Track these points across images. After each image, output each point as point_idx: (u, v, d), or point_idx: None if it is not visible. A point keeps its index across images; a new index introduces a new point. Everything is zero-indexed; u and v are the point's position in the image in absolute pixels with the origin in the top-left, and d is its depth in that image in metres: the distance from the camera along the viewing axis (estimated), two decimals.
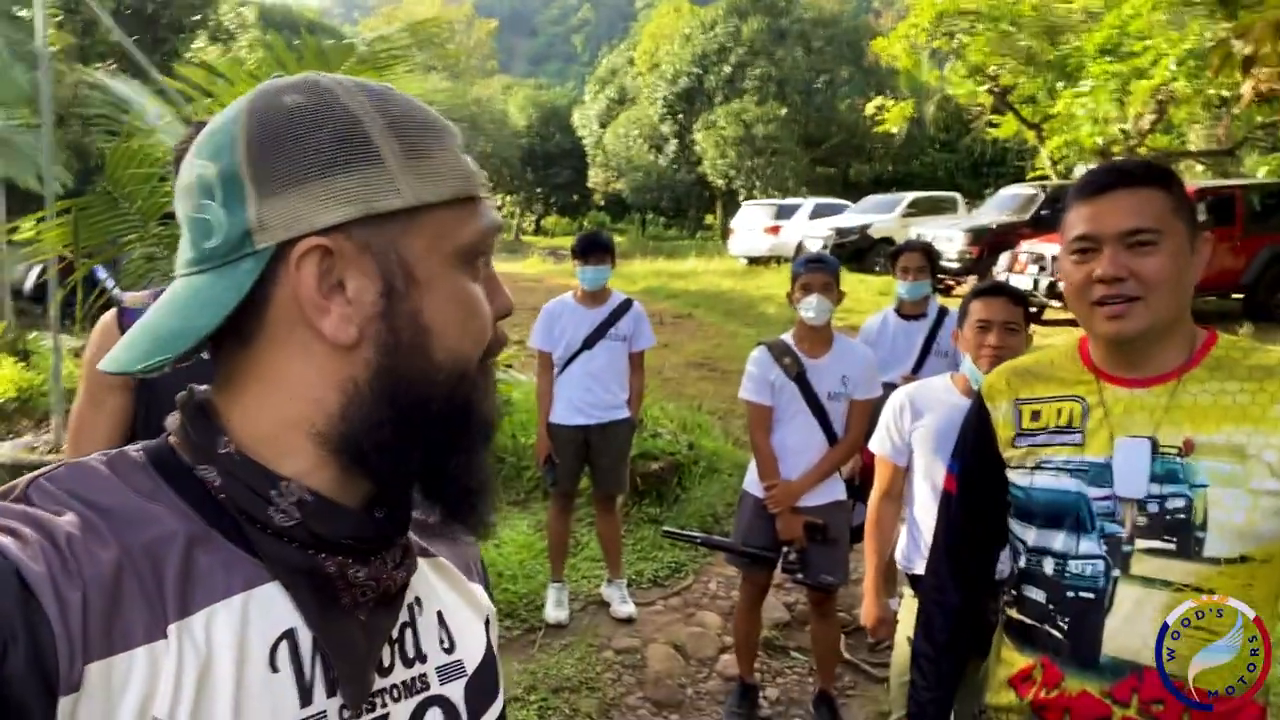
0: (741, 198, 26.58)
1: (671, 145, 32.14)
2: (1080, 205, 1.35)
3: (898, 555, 2.58)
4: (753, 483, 3.27)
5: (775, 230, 19.11)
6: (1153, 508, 1.31)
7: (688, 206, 35.26)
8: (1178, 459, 1.30)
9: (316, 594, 0.60)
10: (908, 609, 2.52)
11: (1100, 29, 14.17)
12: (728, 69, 30.53)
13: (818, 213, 19.33)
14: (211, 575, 0.57)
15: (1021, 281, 11.10)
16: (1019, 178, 19.90)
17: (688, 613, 4.03)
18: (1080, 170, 14.24)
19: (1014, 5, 15.71)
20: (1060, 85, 15.42)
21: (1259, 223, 11.03)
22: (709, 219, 34.24)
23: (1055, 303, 10.60)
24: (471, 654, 0.73)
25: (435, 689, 0.68)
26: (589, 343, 3.96)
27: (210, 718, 0.54)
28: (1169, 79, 12.24)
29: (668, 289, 16.45)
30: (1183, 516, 1.29)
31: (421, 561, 0.71)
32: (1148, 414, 1.34)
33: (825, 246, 16.83)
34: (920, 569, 2.44)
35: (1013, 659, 1.48)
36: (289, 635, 0.59)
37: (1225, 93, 11.51)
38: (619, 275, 20.02)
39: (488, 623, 0.78)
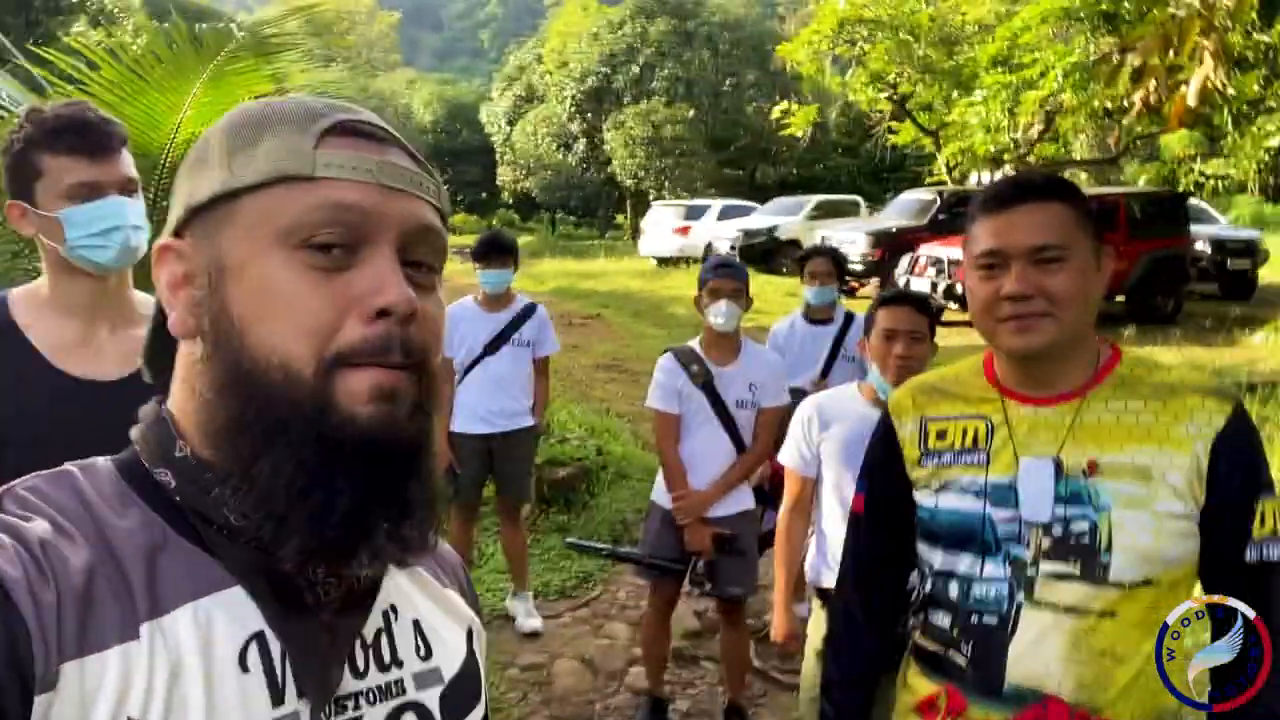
0: (651, 198, 26.67)
1: (581, 144, 32.01)
2: (986, 219, 1.31)
3: (806, 567, 2.54)
4: (661, 493, 3.20)
5: (684, 231, 19.24)
6: (1057, 530, 1.28)
7: (597, 206, 35.21)
8: (1082, 480, 1.27)
9: (277, 593, 0.60)
10: (816, 622, 2.48)
11: (993, 41, 14.75)
12: (636, 69, 30.58)
13: (726, 214, 19.55)
14: (178, 578, 0.58)
15: (921, 284, 11.43)
16: (917, 183, 20.53)
17: (596, 624, 3.94)
18: (976, 178, 14.80)
19: (912, 15, 16.20)
20: (955, 94, 15.97)
21: (1141, 229, 11.64)
22: (619, 219, 34.25)
23: (953, 305, 10.94)
24: (449, 662, 0.72)
25: (411, 694, 0.68)
26: (491, 348, 3.83)
27: (183, 717, 0.55)
28: (1056, 90, 12.80)
29: (576, 289, 16.34)
30: (1087, 540, 1.26)
31: (396, 570, 0.70)
32: (1052, 433, 1.31)
33: (733, 247, 17.01)
34: (828, 582, 2.41)
35: (918, 685, 1.43)
36: (259, 637, 0.59)
37: (1109, 104, 12.10)
38: (526, 275, 19.91)
39: (471, 634, 0.77)
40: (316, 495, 0.58)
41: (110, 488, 0.61)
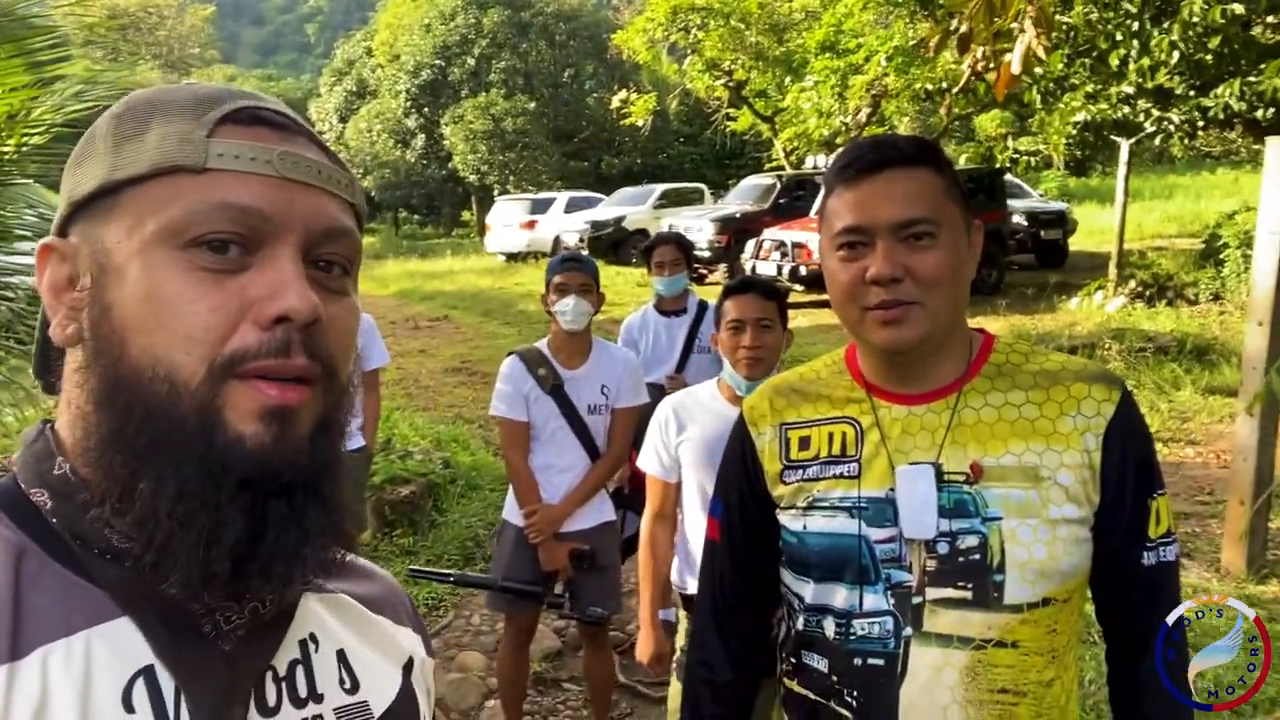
0: (496, 193, 26.10)
1: (419, 140, 30.96)
2: (844, 190, 1.10)
3: (671, 573, 2.34)
4: (512, 510, 2.93)
5: (531, 225, 18.91)
6: (943, 548, 1.09)
7: (442, 203, 34.24)
8: (965, 487, 1.09)
9: (168, 622, 0.55)
10: (682, 635, 2.29)
11: (820, 27, 15.16)
12: (472, 61, 29.85)
13: (572, 206, 19.35)
14: (48, 611, 0.54)
15: (766, 268, 11.60)
16: (758, 169, 20.98)
17: (447, 656, 3.61)
18: (812, 161, 15.22)
19: (741, 3, 16.45)
20: (788, 80, 16.35)
21: None
22: (465, 216, 33.42)
23: (799, 287, 11.15)
24: (380, 696, 0.67)
25: None
26: None
27: None
28: (880, 74, 13.27)
29: (423, 291, 15.77)
30: (977, 557, 1.08)
31: (314, 598, 0.66)
32: (929, 435, 1.12)
33: (582, 240, 16.84)
34: (694, 588, 2.22)
35: None
36: (147, 672, 0.54)
37: (930, 86, 12.64)
38: (368, 278, 19.04)
39: (410, 665, 0.71)
40: (201, 523, 0.53)
41: None
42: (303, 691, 0.62)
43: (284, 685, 0.61)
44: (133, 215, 0.55)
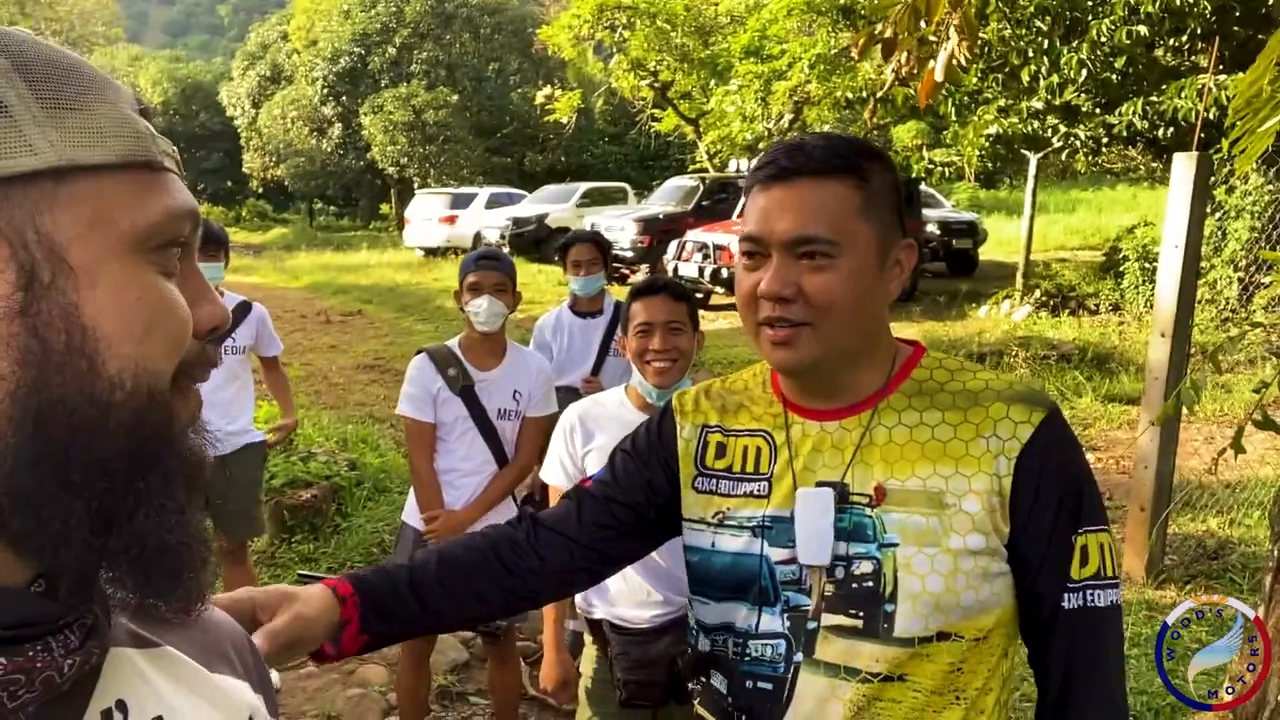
0: (416, 186, 25.54)
1: (336, 129, 30.07)
2: (756, 194, 1.04)
3: (576, 597, 2.22)
4: (412, 512, 2.80)
5: (451, 220, 18.56)
6: (839, 573, 1.02)
7: (359, 195, 33.34)
8: (867, 511, 1.02)
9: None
10: (587, 659, 2.18)
11: (744, 32, 15.27)
12: (392, 50, 29.15)
13: (493, 202, 19.09)
14: None
15: (688, 269, 11.61)
16: (681, 170, 21.02)
17: (347, 671, 3.42)
18: (735, 165, 15.29)
19: (667, 4, 16.45)
20: (713, 83, 16.42)
21: None
22: (383, 208, 32.61)
23: (720, 289, 11.18)
24: None
25: None
26: None
27: None
28: (803, 80, 13.43)
29: (336, 283, 15.30)
30: (870, 584, 1.00)
31: (134, 653, 0.57)
32: (837, 454, 1.05)
33: (503, 236, 16.59)
34: (600, 613, 2.12)
35: None
36: None
37: (850, 95, 12.85)
38: (278, 270, 18.49)
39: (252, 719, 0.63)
40: (171, 534, 0.51)
41: None
42: None
43: None
44: (93, 208, 0.48)
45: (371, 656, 3.58)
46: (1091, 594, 1.01)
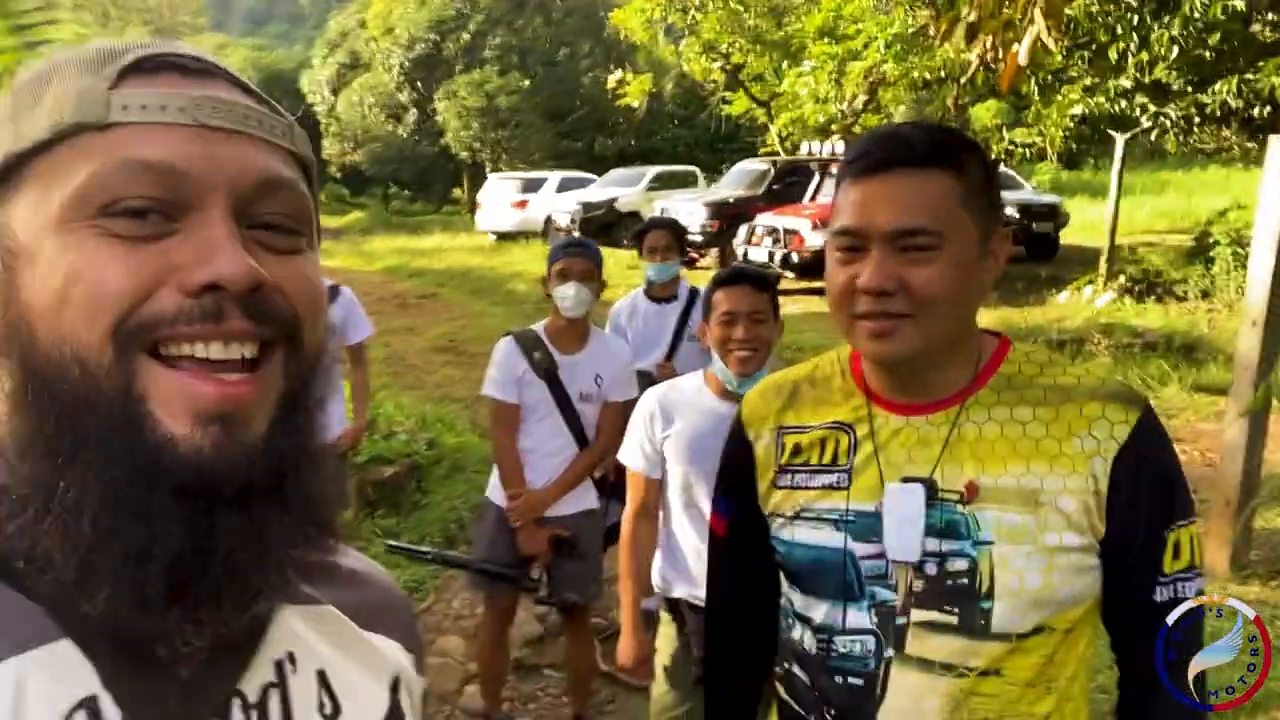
0: (488, 170, 25.88)
1: (411, 115, 30.60)
2: (850, 185, 1.03)
3: (654, 574, 2.29)
4: (495, 490, 2.91)
5: (523, 204, 18.76)
6: (930, 569, 1.04)
7: (432, 180, 33.88)
8: (958, 508, 1.04)
9: (115, 645, 0.49)
10: (664, 636, 2.25)
11: (819, 12, 15.03)
12: (467, 37, 29.50)
13: (564, 186, 19.19)
14: None
15: (758, 254, 11.55)
16: (752, 153, 20.83)
17: (428, 640, 3.58)
18: (807, 148, 15.12)
19: None
20: (785, 65, 16.23)
21: None
22: (456, 193, 33.14)
23: (790, 274, 11.10)
24: (365, 718, 0.61)
25: None
26: None
27: None
28: (879, 61, 13.18)
29: (410, 267, 15.63)
30: (965, 581, 1.02)
31: (299, 610, 0.59)
32: (925, 450, 1.06)
33: (573, 220, 16.73)
34: (679, 591, 2.18)
35: None
36: (88, 704, 0.48)
37: (928, 75, 12.57)
38: (356, 253, 18.88)
39: (397, 682, 0.65)
40: (130, 535, 0.47)
41: None
42: (276, 718, 0.56)
43: (254, 713, 0.55)
44: (37, 189, 0.49)
45: (450, 628, 3.74)
46: (1181, 586, 1.03)
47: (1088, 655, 1.08)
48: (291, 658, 0.58)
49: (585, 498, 2.92)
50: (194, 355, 0.49)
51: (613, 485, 3.19)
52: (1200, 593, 1.05)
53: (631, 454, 2.24)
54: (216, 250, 0.48)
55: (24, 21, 3.65)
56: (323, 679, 0.59)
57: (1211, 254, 11.10)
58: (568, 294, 2.72)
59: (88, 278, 0.47)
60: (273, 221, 0.53)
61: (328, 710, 0.59)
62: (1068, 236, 15.96)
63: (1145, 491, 1.02)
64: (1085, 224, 17.28)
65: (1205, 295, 10.89)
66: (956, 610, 1.02)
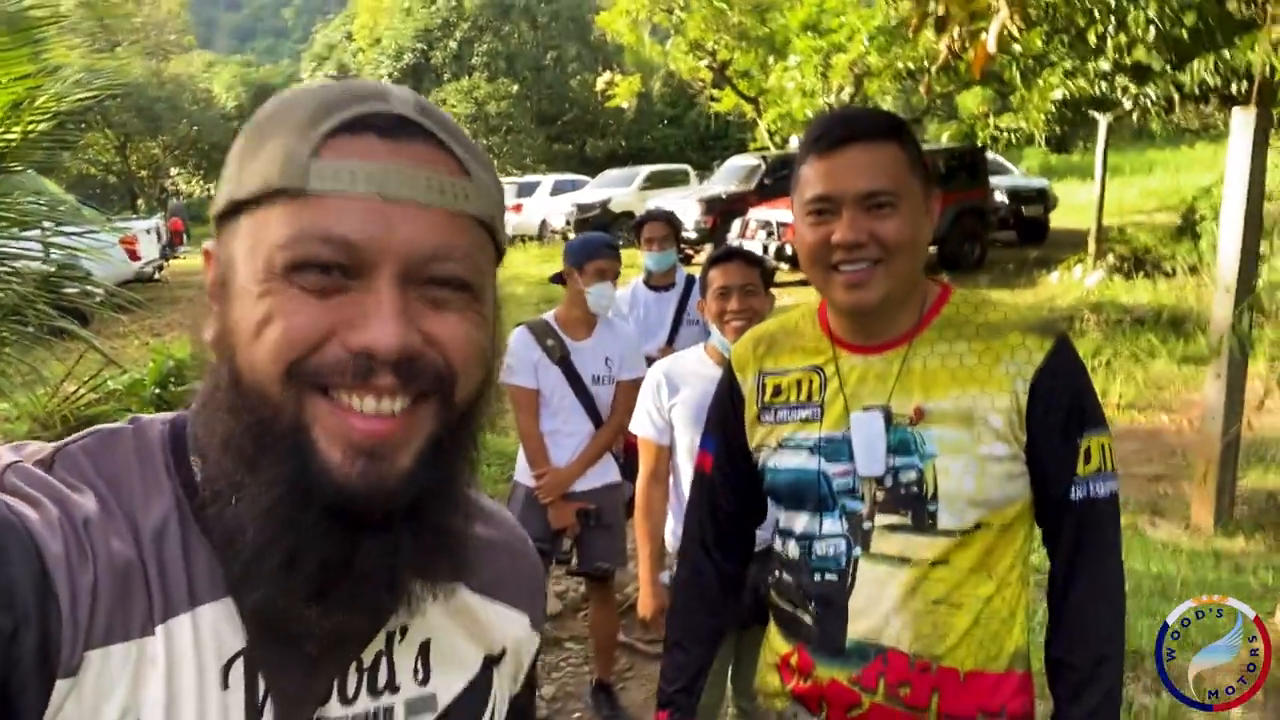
0: None
1: None
2: (815, 161, 1.24)
3: (667, 535, 2.48)
4: (523, 471, 3.09)
5: (517, 208, 18.90)
6: (889, 481, 1.25)
7: None
8: (909, 428, 1.24)
9: (259, 614, 0.57)
10: None
11: (802, 6, 15.20)
12: (454, 45, 29.72)
13: (558, 189, 19.36)
14: (189, 579, 0.56)
15: (752, 247, 11.68)
16: (742, 149, 21.02)
17: None
18: (796, 141, 15.29)
19: None
20: (771, 60, 16.40)
21: (945, 183, 12.37)
22: None
23: (784, 265, 11.28)
24: (448, 688, 0.67)
25: None
26: None
27: None
28: (863, 53, 13.36)
29: None
30: (916, 489, 1.22)
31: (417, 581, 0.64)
32: (881, 383, 1.27)
33: (568, 222, 16.88)
34: None
35: (776, 644, 1.40)
36: (245, 653, 0.57)
37: (911, 65, 12.75)
38: None
39: (501, 654, 0.72)
40: (284, 544, 0.54)
41: (154, 462, 0.59)
42: (381, 682, 0.63)
43: (365, 676, 0.63)
44: (249, 237, 0.57)
45: None
46: (1094, 486, 1.22)
47: (1023, 549, 1.28)
48: (403, 629, 0.65)
49: (607, 472, 3.12)
50: (351, 404, 0.55)
51: (624, 466, 3.39)
52: (1114, 494, 1.24)
53: (641, 423, 2.43)
54: (374, 318, 0.54)
55: (41, 48, 3.83)
56: (423, 649, 0.67)
57: (1198, 230, 11.29)
58: (606, 293, 2.94)
59: (275, 323, 0.55)
60: (447, 279, 0.58)
61: (419, 678, 0.66)
62: (1058, 219, 16.12)
63: (1058, 406, 1.21)
64: (1075, 206, 17.44)
65: (1193, 270, 11.06)
66: (910, 513, 1.23)
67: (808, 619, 1.31)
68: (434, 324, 0.57)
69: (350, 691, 0.62)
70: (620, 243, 3.22)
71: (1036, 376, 1.20)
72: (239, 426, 0.56)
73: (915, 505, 1.22)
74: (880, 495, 1.25)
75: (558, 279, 3.09)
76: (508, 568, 0.75)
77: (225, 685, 0.56)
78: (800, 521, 1.32)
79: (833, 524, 1.28)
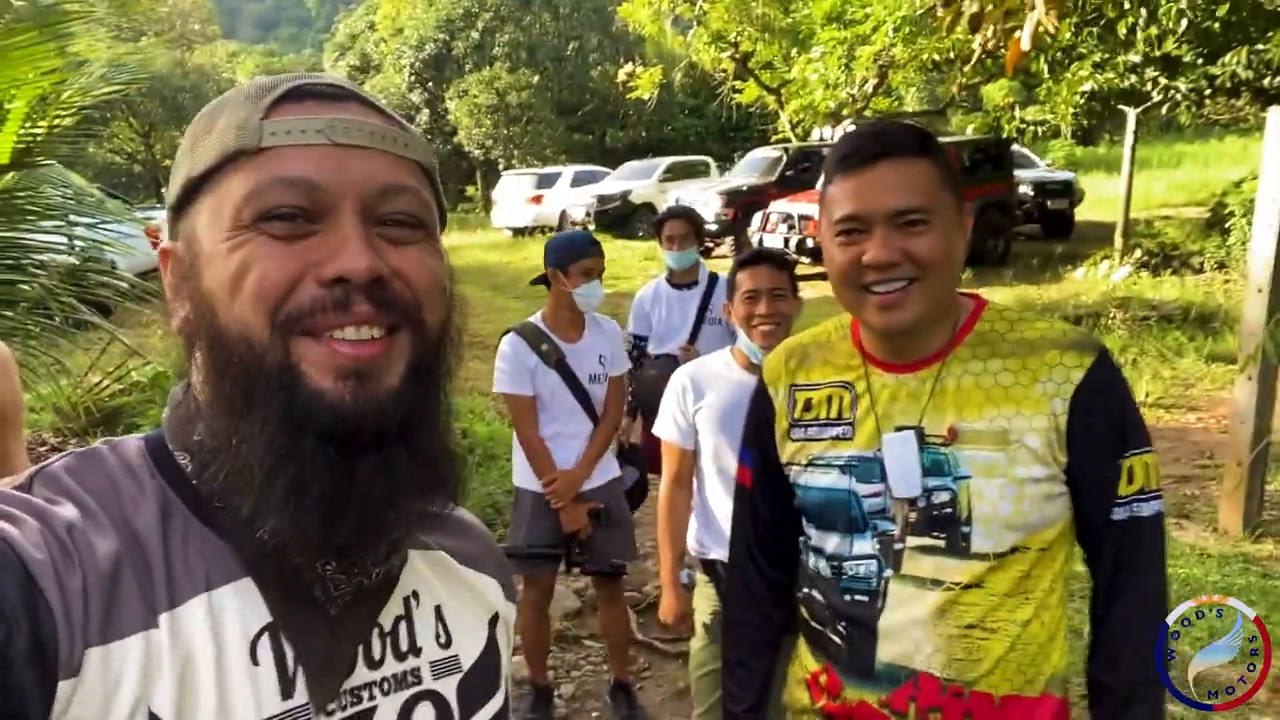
0: (501, 168, 26.06)
1: (423, 115, 30.83)
2: (843, 179, 1.19)
3: (690, 540, 2.46)
4: (525, 477, 3.06)
5: (538, 200, 18.90)
6: (921, 502, 1.21)
7: (446, 178, 34.04)
8: (942, 449, 1.21)
9: (283, 586, 0.60)
10: (702, 596, 2.41)
11: None
12: (476, 35, 29.66)
13: (578, 181, 19.33)
14: (194, 566, 0.58)
15: (773, 240, 11.66)
16: (763, 141, 20.89)
17: None
18: (818, 133, 15.17)
19: None
20: (795, 52, 16.24)
21: (970, 176, 12.24)
22: (470, 190, 33.36)
23: (805, 259, 11.21)
24: (469, 650, 0.72)
25: (427, 684, 0.68)
26: None
27: (195, 708, 0.55)
28: (888, 44, 13.20)
29: None
30: (949, 510, 1.19)
31: (416, 554, 0.70)
32: (913, 402, 1.24)
33: (588, 214, 16.87)
34: (715, 554, 2.34)
35: (806, 660, 1.37)
36: (270, 628, 0.59)
37: (937, 57, 12.60)
38: None
39: (495, 619, 0.76)
40: (288, 474, 0.56)
41: (137, 469, 0.61)
42: (404, 645, 0.67)
43: (388, 640, 0.66)
44: (211, 205, 0.60)
45: None
46: (1137, 506, 1.19)
47: (1064, 570, 1.24)
48: (415, 595, 0.70)
49: (610, 467, 3.12)
50: (334, 337, 0.59)
51: (627, 453, 3.41)
52: (1159, 514, 1.21)
53: (666, 427, 2.40)
54: (343, 248, 0.58)
55: (66, 43, 3.84)
56: (439, 614, 0.71)
57: (1227, 225, 11.10)
58: (595, 293, 2.91)
59: (253, 274, 0.58)
60: (396, 218, 0.62)
61: (442, 640, 0.70)
62: (1084, 213, 15.93)
63: (1099, 425, 1.17)
64: (1101, 199, 17.22)
65: (1221, 266, 10.90)
66: (943, 535, 1.20)
67: (837, 639, 1.29)
68: (396, 258, 0.61)
69: (376, 655, 0.65)
70: (640, 235, 3.18)
71: (1075, 396, 1.17)
72: (228, 382, 0.59)
73: (949, 527, 1.19)
74: (913, 516, 1.22)
75: (540, 281, 3.05)
76: (482, 543, 0.80)
77: (255, 661, 0.58)
78: (831, 542, 1.30)
79: (864, 545, 1.26)
